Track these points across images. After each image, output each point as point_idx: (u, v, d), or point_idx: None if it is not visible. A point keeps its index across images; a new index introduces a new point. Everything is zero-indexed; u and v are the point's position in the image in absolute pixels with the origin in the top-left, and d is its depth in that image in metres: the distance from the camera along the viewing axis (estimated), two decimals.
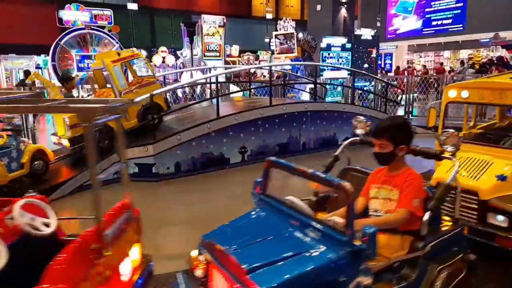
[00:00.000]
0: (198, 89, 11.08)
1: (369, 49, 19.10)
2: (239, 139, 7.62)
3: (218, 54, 13.35)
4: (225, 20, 13.30)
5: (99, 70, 7.09)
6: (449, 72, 20.19)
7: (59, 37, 12.41)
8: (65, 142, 6.36)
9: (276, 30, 16.07)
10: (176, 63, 16.61)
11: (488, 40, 19.89)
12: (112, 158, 6.33)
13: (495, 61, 15.49)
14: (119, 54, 6.93)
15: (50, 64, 13.26)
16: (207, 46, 12.91)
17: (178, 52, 16.26)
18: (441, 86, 13.85)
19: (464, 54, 25.99)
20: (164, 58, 17.44)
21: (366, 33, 21.71)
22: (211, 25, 12.99)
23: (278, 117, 8.14)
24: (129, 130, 6.65)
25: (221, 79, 11.23)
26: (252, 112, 7.80)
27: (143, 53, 22.17)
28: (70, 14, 13.04)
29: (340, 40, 19.22)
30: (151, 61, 19.20)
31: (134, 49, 8.58)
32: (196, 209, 5.66)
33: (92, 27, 12.90)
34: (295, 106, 8.49)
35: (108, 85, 6.92)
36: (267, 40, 22.70)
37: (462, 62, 23.01)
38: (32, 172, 5.97)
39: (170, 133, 6.97)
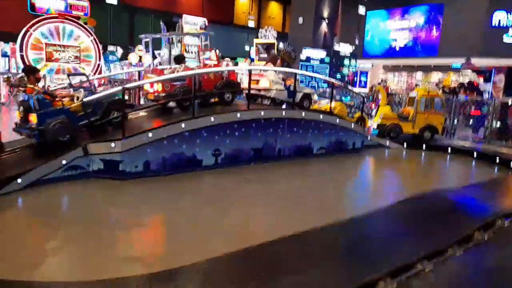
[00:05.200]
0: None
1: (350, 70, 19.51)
2: (214, 141, 7.35)
3: (194, 56, 13.10)
4: (206, 23, 13.07)
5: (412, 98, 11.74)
6: None
7: (29, 24, 11.72)
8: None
9: (258, 38, 16.02)
10: (153, 63, 16.17)
11: (459, 65, 20.71)
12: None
13: (466, 86, 16.06)
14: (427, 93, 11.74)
15: (18, 53, 12.54)
16: (186, 47, 12.62)
17: (156, 52, 15.85)
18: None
19: (435, 77, 27.00)
20: (141, 57, 16.95)
21: (345, 49, 22.16)
22: (192, 26, 12.71)
23: (255, 121, 7.94)
24: None
25: None
26: (228, 114, 7.56)
27: (119, 50, 21.61)
28: (43, 1, 12.38)
29: (319, 53, 19.50)
30: (127, 59, 18.68)
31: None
32: (163, 211, 5.32)
33: (67, 16, 12.30)
34: (273, 112, 8.33)
35: None
36: (247, 48, 22.68)
37: (436, 85, 23.90)
38: None
39: (140, 130, 6.61)
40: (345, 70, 19.69)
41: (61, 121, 6.03)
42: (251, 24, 29.09)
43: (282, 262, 3.46)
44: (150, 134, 6.58)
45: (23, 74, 6.80)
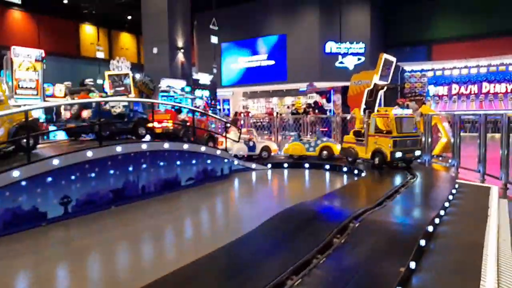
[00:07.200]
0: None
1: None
2: (60, 188, 6.30)
3: (35, 92, 11.33)
4: (43, 54, 11.53)
5: None
6: (276, 115, 22.83)
7: None
8: None
9: (109, 70, 14.99)
10: None
11: (305, 88, 23.40)
12: None
13: (313, 105, 18.11)
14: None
15: None
16: (19, 83, 10.82)
17: None
18: (272, 127, 15.32)
19: (288, 100, 30.08)
20: None
21: (204, 78, 22.66)
22: (25, 58, 11.01)
23: (110, 159, 7.17)
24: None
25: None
26: (76, 154, 6.62)
27: None
28: None
29: (179, 83, 19.40)
30: None
31: None
32: None
33: None
34: (131, 147, 7.69)
35: None
36: (100, 81, 21.08)
37: (288, 107, 26.44)
38: None
39: None
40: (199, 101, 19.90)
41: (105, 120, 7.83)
42: (101, 55, 27.42)
43: None
44: None
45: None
